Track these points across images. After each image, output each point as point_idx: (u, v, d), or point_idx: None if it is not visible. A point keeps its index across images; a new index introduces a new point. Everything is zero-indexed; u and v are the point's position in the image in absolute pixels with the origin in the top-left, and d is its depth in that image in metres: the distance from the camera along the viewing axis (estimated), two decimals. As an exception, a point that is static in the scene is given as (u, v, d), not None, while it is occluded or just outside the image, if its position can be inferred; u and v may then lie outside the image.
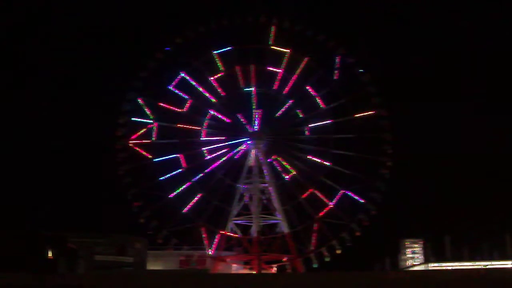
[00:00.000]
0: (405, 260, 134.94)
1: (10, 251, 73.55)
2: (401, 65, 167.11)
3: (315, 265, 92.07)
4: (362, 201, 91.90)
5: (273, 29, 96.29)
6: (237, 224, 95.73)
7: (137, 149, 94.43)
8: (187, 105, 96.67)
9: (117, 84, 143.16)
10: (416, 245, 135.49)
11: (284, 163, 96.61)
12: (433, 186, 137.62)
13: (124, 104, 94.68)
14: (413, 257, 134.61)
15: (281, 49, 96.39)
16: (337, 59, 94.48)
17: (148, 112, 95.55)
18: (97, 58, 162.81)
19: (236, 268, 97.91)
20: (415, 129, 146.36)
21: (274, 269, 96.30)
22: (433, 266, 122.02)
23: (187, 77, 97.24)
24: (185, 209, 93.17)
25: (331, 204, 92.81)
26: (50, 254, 79.28)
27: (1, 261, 69.71)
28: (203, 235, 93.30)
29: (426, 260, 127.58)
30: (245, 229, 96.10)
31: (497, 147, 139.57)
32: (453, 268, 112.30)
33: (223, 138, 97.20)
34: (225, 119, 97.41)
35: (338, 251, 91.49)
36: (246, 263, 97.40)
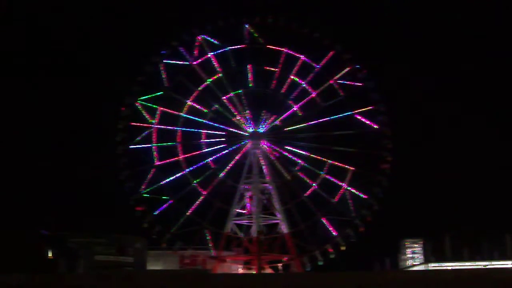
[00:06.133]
0: (405, 260, 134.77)
1: (10, 251, 73.66)
2: (400, 62, 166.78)
3: (320, 263, 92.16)
4: (365, 196, 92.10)
5: (268, 28, 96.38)
6: (237, 224, 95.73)
7: (138, 153, 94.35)
8: (186, 107, 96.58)
9: (115, 88, 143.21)
10: (416, 245, 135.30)
11: (284, 162, 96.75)
12: (433, 185, 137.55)
13: (123, 109, 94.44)
14: (413, 257, 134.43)
15: (277, 48, 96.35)
16: (334, 56, 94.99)
17: (147, 116, 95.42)
18: (95, 62, 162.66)
19: (236, 268, 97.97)
20: (415, 129, 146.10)
21: (279, 267, 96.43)
22: (433, 266, 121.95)
23: (185, 80, 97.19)
24: (188, 212, 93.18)
25: (333, 201, 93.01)
26: (50, 254, 79.45)
27: (1, 261, 69.79)
28: (208, 237, 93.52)
29: (426, 260, 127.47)
30: (245, 229, 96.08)
31: (497, 147, 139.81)
32: (453, 268, 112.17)
33: (223, 139, 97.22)
34: (224, 120, 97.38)
35: (343, 248, 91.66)
36: (246, 263, 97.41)
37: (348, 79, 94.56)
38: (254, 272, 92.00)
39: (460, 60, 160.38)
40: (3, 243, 74.99)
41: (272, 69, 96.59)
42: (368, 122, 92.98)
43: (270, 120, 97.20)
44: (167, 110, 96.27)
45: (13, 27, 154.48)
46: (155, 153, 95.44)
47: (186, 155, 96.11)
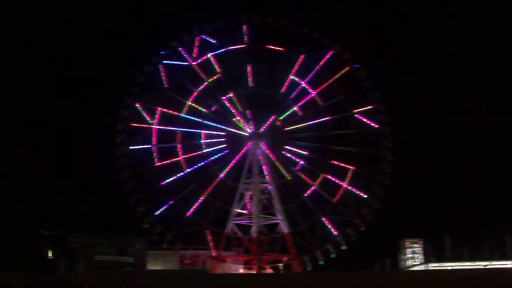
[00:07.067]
0: (405, 260, 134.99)
1: (10, 251, 73.69)
2: (400, 62, 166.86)
3: (321, 262, 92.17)
4: (365, 196, 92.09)
5: (267, 28, 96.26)
6: (237, 224, 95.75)
7: (138, 154, 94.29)
8: (186, 108, 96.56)
9: (114, 90, 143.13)
10: (416, 245, 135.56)
11: (284, 162, 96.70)
12: (433, 186, 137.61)
13: (122, 110, 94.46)
14: (413, 257, 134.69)
15: (277, 48, 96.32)
16: (333, 55, 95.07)
17: (146, 117, 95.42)
18: (93, 64, 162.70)
19: (236, 268, 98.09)
20: (415, 128, 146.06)
21: (280, 267, 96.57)
22: (433, 266, 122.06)
23: (185, 80, 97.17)
24: (189, 212, 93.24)
25: (334, 201, 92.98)
26: (50, 254, 79.52)
27: (1, 261, 69.79)
28: (208, 237, 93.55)
29: (426, 260, 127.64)
30: (245, 229, 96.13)
31: (497, 146, 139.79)
32: (453, 268, 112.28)
33: (223, 139, 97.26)
34: (224, 120, 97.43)
35: (343, 247, 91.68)
36: (246, 263, 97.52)
37: (347, 78, 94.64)
38: (254, 272, 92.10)
39: (461, 60, 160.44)
40: (3, 243, 75.02)
41: (272, 69, 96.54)
42: (368, 121, 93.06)
43: (270, 120, 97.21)
44: (167, 110, 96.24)
45: (13, 27, 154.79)
46: (155, 153, 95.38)
47: (186, 156, 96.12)
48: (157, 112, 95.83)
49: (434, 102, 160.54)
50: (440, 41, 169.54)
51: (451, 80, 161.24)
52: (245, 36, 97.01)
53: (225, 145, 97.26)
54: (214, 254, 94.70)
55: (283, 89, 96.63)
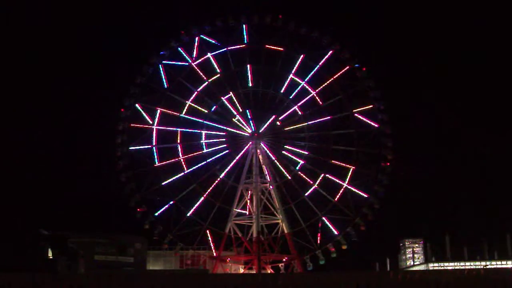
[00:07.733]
0: (405, 260, 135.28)
1: (10, 251, 73.58)
2: (400, 61, 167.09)
3: (322, 262, 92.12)
4: (365, 195, 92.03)
5: (267, 28, 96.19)
6: (237, 224, 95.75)
7: (138, 155, 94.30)
8: (186, 108, 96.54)
9: (114, 90, 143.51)
10: (416, 245, 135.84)
11: (285, 162, 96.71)
12: (433, 185, 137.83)
13: (122, 110, 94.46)
14: (413, 257, 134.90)
15: (276, 48, 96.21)
16: (333, 55, 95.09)
17: (146, 118, 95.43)
18: (93, 64, 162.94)
19: (236, 268, 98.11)
20: (415, 128, 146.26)
21: (281, 267, 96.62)
22: (433, 266, 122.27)
23: (185, 80, 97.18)
24: (189, 213, 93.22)
25: (334, 200, 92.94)
26: (50, 254, 79.34)
27: (1, 261, 69.72)
28: (209, 238, 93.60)
29: (426, 260, 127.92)
30: (245, 229, 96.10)
31: (497, 146, 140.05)
32: (453, 268, 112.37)
33: (224, 139, 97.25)
34: (224, 120, 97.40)
35: (344, 247, 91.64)
36: (247, 263, 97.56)
37: (347, 78, 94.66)
38: (254, 272, 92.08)
39: (461, 60, 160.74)
40: (3, 243, 74.91)
41: (272, 69, 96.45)
42: (368, 120, 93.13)
43: (270, 120, 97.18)
44: (167, 111, 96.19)
45: (13, 27, 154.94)
46: (155, 154, 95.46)
47: (186, 156, 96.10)
48: (157, 112, 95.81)
49: (434, 102, 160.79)
50: (440, 41, 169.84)
51: (451, 80, 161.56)
52: (245, 36, 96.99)
53: (225, 145, 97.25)
54: (214, 254, 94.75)
55: (283, 89, 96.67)
